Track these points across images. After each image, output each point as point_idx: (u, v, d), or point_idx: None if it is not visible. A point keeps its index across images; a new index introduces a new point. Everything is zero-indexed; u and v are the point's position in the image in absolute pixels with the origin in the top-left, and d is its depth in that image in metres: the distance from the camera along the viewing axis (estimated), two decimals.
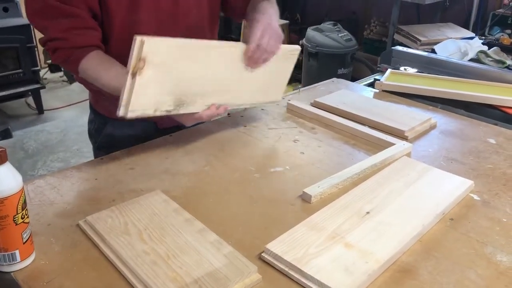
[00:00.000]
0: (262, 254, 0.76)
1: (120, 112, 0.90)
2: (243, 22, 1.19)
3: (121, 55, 1.11)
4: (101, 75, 1.02)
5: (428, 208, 0.87)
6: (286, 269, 0.72)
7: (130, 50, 1.04)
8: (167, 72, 0.92)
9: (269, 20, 1.06)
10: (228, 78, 1.06)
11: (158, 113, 0.96)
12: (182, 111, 1.00)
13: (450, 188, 0.94)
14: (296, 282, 0.71)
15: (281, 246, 0.75)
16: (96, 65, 1.03)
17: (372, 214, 0.85)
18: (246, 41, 1.04)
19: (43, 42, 1.05)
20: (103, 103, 1.20)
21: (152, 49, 0.87)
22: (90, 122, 1.30)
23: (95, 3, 1.03)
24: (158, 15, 1.09)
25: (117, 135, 1.21)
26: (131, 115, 0.90)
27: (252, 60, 1.05)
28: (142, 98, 0.91)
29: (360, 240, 0.77)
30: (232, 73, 1.06)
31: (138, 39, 0.85)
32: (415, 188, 0.94)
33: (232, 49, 1.03)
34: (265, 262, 0.74)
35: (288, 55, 1.17)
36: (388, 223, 0.82)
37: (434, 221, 0.85)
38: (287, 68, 1.20)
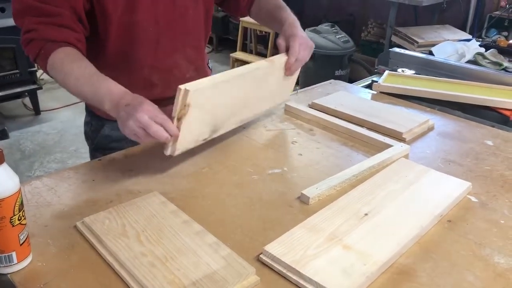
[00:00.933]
0: (260, 255, 0.75)
1: (168, 152, 0.94)
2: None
3: (119, 56, 1.11)
4: (69, 72, 0.98)
5: (426, 210, 0.87)
6: (284, 270, 0.72)
7: (127, 50, 1.03)
8: (208, 109, 0.98)
9: (302, 33, 1.15)
10: (251, 95, 1.12)
11: (197, 144, 1.02)
12: (215, 135, 1.06)
13: (448, 190, 0.94)
14: (294, 284, 0.70)
15: (279, 248, 0.75)
16: (66, 60, 0.99)
17: (370, 215, 0.85)
18: (282, 52, 1.15)
19: (22, 39, 1.02)
20: None
21: (195, 95, 0.90)
22: (86, 123, 1.29)
23: (79, 4, 1.01)
24: (155, 16, 1.09)
25: (114, 136, 1.20)
26: (177, 153, 0.96)
27: (289, 72, 1.16)
28: (187, 137, 0.96)
29: (358, 242, 0.77)
30: (255, 90, 1.12)
31: (182, 89, 0.88)
32: (413, 190, 0.94)
33: (259, 70, 1.09)
34: (263, 264, 0.74)
35: None
36: (386, 225, 0.82)
37: (432, 223, 0.85)
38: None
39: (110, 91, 0.94)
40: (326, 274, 0.70)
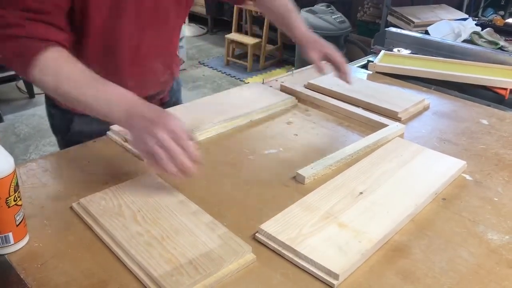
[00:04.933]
0: (256, 234, 0.76)
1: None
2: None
3: (96, 59, 1.01)
4: (66, 73, 0.84)
5: (421, 189, 0.88)
6: (280, 248, 0.73)
7: (106, 54, 0.98)
8: None
9: (318, 37, 1.24)
10: None
11: None
12: None
13: (442, 168, 0.94)
14: (290, 261, 0.71)
15: (275, 226, 0.76)
16: (60, 60, 0.85)
17: (365, 194, 0.85)
18: (311, 60, 1.21)
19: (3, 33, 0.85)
20: None
21: None
22: (50, 116, 1.19)
23: (63, 3, 0.91)
24: (138, 22, 1.03)
25: (87, 132, 1.08)
26: None
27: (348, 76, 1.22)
28: None
29: (353, 220, 0.78)
30: None
31: None
32: (408, 168, 0.94)
33: None
34: (259, 243, 0.75)
35: None
36: (381, 203, 0.83)
37: (426, 201, 0.86)
38: None
39: (120, 96, 0.82)
40: (321, 251, 0.71)
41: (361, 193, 0.85)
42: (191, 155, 0.76)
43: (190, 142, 0.77)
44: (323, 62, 1.21)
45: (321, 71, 1.21)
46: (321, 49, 1.20)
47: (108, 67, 1.03)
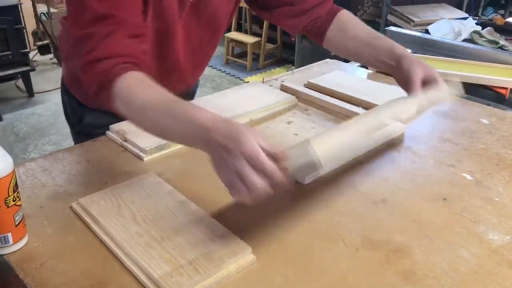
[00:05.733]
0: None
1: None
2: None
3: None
4: (140, 102, 0.76)
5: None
6: None
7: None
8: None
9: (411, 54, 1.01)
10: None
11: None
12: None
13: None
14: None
15: None
16: (135, 87, 0.78)
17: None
18: (411, 75, 0.95)
19: (85, 61, 0.81)
20: (82, 90, 1.07)
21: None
22: (65, 103, 1.21)
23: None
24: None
25: (98, 124, 1.09)
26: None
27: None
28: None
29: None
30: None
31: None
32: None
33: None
34: (260, 243, 0.74)
35: None
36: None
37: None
38: None
39: (196, 122, 0.70)
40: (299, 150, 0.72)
41: None
42: (274, 178, 0.64)
43: (272, 164, 0.64)
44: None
45: (412, 91, 0.95)
46: (426, 69, 0.96)
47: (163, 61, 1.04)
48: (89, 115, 1.16)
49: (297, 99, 1.26)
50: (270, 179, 0.64)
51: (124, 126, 1.04)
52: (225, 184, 0.67)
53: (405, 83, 0.96)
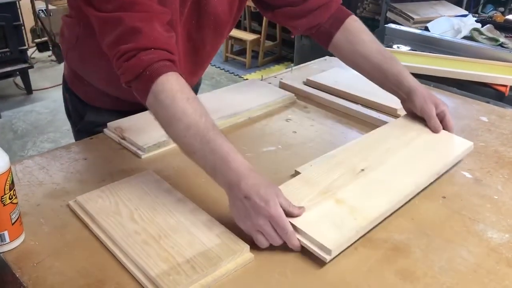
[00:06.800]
0: None
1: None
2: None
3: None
4: (179, 114, 0.76)
5: (423, 168, 0.86)
6: None
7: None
8: None
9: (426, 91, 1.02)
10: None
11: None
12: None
13: (448, 148, 0.93)
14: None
15: None
16: (179, 96, 0.76)
17: (367, 171, 0.85)
18: (426, 112, 0.98)
19: (120, 49, 0.79)
20: (84, 88, 1.12)
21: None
22: (66, 101, 1.20)
23: None
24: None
25: (99, 122, 1.09)
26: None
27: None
28: None
29: (351, 197, 0.78)
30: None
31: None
32: (413, 147, 0.93)
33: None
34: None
35: None
36: (381, 181, 0.82)
37: (428, 181, 0.85)
38: None
39: (230, 163, 0.73)
40: (316, 226, 0.71)
41: (362, 170, 0.85)
42: (290, 241, 0.70)
43: (292, 229, 0.70)
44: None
45: (436, 130, 0.98)
46: (437, 103, 0.99)
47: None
48: (91, 113, 1.15)
49: (295, 97, 1.26)
50: (285, 239, 0.71)
51: (122, 123, 1.04)
52: (245, 231, 0.72)
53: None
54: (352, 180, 0.82)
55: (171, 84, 0.77)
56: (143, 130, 1.01)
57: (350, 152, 0.90)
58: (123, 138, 1.00)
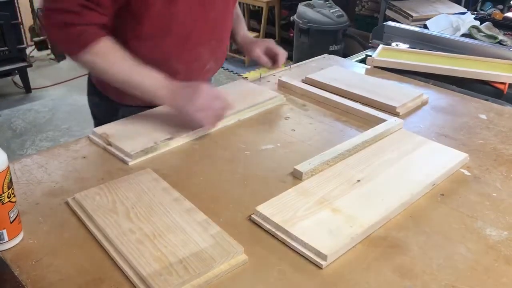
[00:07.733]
0: (251, 215, 0.78)
1: None
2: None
3: (148, 46, 1.08)
4: (116, 61, 1.00)
5: (419, 179, 0.88)
6: (273, 229, 0.75)
7: (158, 41, 1.07)
8: None
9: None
10: None
11: None
12: None
13: (443, 160, 0.94)
14: (282, 242, 0.73)
15: (270, 209, 0.78)
16: (113, 49, 1.00)
17: (363, 182, 0.86)
18: (255, 56, 1.31)
19: (52, 20, 0.98)
20: (115, 89, 1.10)
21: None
22: (94, 104, 1.25)
23: None
24: (191, 9, 1.07)
25: None
26: None
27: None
28: None
29: (348, 206, 0.79)
30: None
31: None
32: (408, 159, 0.95)
33: None
34: (252, 243, 0.73)
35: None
36: (377, 191, 0.84)
37: (423, 191, 0.86)
38: None
39: (159, 78, 1.00)
40: (313, 234, 0.72)
41: (358, 180, 0.87)
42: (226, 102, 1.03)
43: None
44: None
45: (266, 64, 1.30)
46: (262, 44, 1.30)
47: (158, 53, 1.10)
48: (122, 112, 1.16)
49: (285, 98, 1.25)
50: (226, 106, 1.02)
51: (107, 129, 1.02)
52: (199, 119, 1.00)
53: None
54: (348, 190, 0.84)
55: (107, 43, 0.99)
56: (129, 137, 1.00)
57: (346, 164, 0.92)
58: (109, 144, 0.98)
